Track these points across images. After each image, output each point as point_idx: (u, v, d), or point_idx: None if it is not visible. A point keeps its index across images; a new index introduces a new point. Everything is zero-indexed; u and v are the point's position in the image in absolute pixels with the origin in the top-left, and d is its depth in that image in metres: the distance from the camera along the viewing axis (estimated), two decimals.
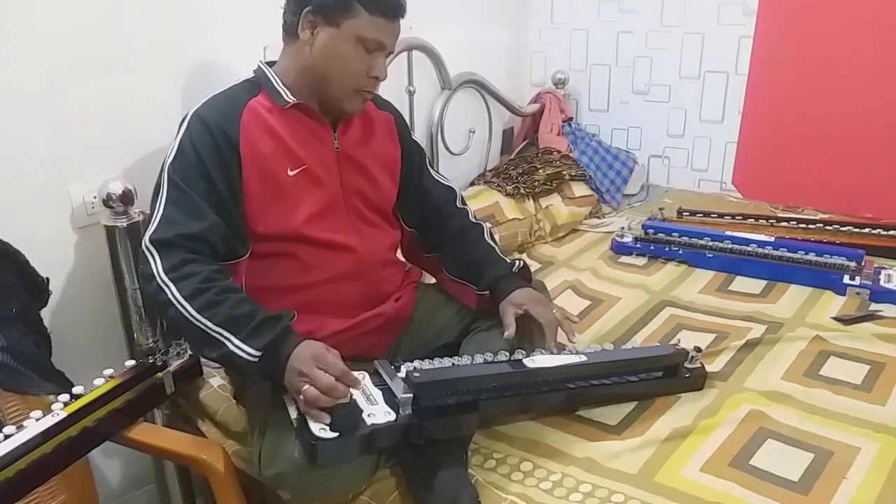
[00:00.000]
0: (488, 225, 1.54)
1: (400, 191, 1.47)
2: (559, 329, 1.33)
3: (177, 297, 1.11)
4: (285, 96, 1.28)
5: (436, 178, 1.54)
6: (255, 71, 1.34)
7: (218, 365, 1.47)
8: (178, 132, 1.25)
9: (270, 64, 1.34)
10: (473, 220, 1.52)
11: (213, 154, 1.21)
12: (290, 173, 1.27)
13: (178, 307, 1.11)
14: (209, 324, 1.11)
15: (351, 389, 1.13)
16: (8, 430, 1.08)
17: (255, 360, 1.10)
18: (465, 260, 1.45)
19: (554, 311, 1.35)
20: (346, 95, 1.28)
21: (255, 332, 1.10)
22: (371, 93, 1.32)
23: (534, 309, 1.32)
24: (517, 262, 1.43)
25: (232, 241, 1.23)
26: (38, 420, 1.11)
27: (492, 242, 1.48)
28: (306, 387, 1.06)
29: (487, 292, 1.38)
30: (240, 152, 1.23)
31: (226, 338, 1.10)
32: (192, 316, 1.11)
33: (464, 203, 1.55)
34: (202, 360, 1.47)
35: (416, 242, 1.52)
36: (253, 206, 1.25)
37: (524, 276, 1.42)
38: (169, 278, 1.13)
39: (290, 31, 1.29)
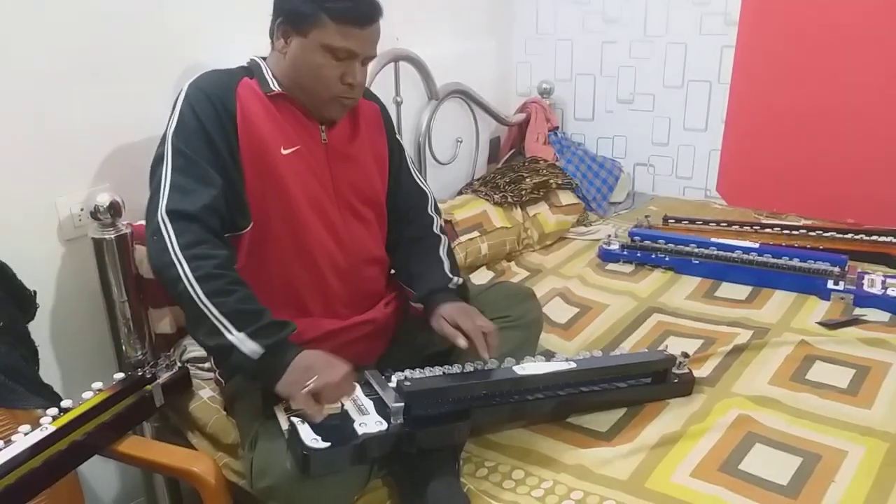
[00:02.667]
0: (445, 238, 1.49)
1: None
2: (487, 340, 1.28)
3: (188, 276, 1.11)
4: (272, 84, 1.28)
5: (414, 178, 1.52)
6: (248, 62, 1.35)
7: (208, 363, 1.48)
8: (175, 103, 1.24)
9: (263, 59, 1.34)
10: (435, 230, 1.49)
11: (214, 121, 1.21)
12: (284, 151, 1.27)
13: (188, 286, 1.11)
14: (215, 311, 1.11)
15: (342, 400, 1.15)
16: None
17: (256, 357, 1.11)
18: (409, 269, 1.44)
19: (481, 323, 1.30)
20: (323, 103, 1.29)
21: (262, 332, 1.12)
22: (351, 99, 1.31)
23: (461, 320, 1.29)
24: (454, 279, 1.40)
25: (235, 210, 1.23)
26: (26, 434, 1.10)
27: (444, 256, 1.45)
28: (314, 378, 1.09)
29: (421, 306, 1.38)
30: (237, 123, 1.23)
31: (228, 329, 1.11)
32: (199, 298, 1.11)
33: (436, 211, 1.53)
34: (192, 371, 1.47)
35: None
36: (248, 182, 1.24)
37: (460, 293, 1.39)
38: (183, 255, 1.12)
39: (271, 38, 1.30)
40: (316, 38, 1.22)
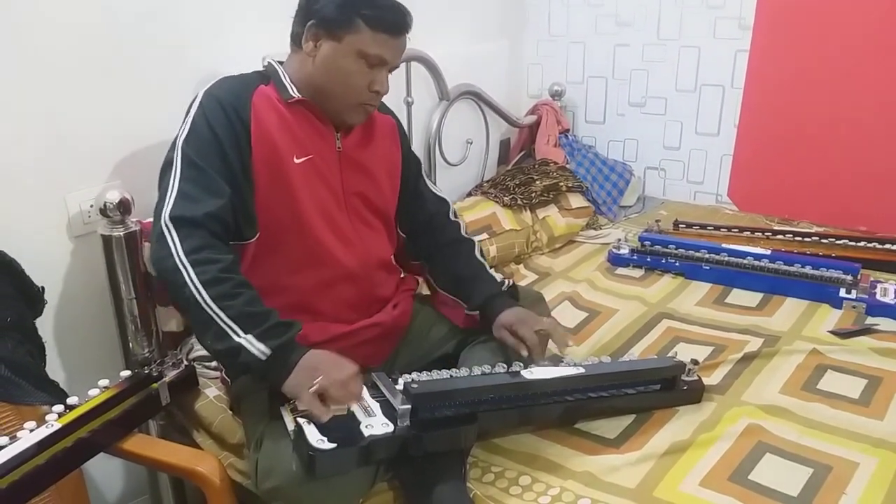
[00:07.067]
0: (478, 240, 1.55)
1: (399, 195, 1.47)
2: (554, 339, 1.36)
3: (194, 281, 1.11)
4: (291, 91, 1.28)
5: (431, 188, 1.55)
6: (265, 66, 1.34)
7: (214, 362, 1.48)
8: (188, 110, 1.24)
9: (280, 63, 1.34)
10: (465, 234, 1.53)
11: (227, 132, 1.21)
12: (297, 161, 1.27)
13: (193, 291, 1.11)
14: (223, 315, 1.11)
15: (349, 402, 1.15)
16: (1, 441, 1.06)
17: (264, 357, 1.11)
18: (456, 274, 1.46)
19: (539, 328, 1.33)
20: (348, 108, 1.29)
21: (269, 333, 1.12)
22: (374, 106, 1.33)
23: (521, 330, 1.32)
24: (506, 280, 1.45)
25: (241, 220, 1.23)
26: (32, 431, 1.10)
27: (481, 259, 1.49)
28: (320, 378, 1.09)
29: (477, 313, 1.40)
30: (251, 133, 1.23)
31: (235, 332, 1.11)
32: (206, 303, 1.11)
33: (456, 216, 1.55)
34: (198, 370, 1.46)
35: (405, 248, 1.52)
36: (258, 192, 1.24)
37: (512, 295, 1.43)
38: (189, 260, 1.12)
39: (295, 41, 1.30)
40: (351, 43, 1.23)
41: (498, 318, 1.36)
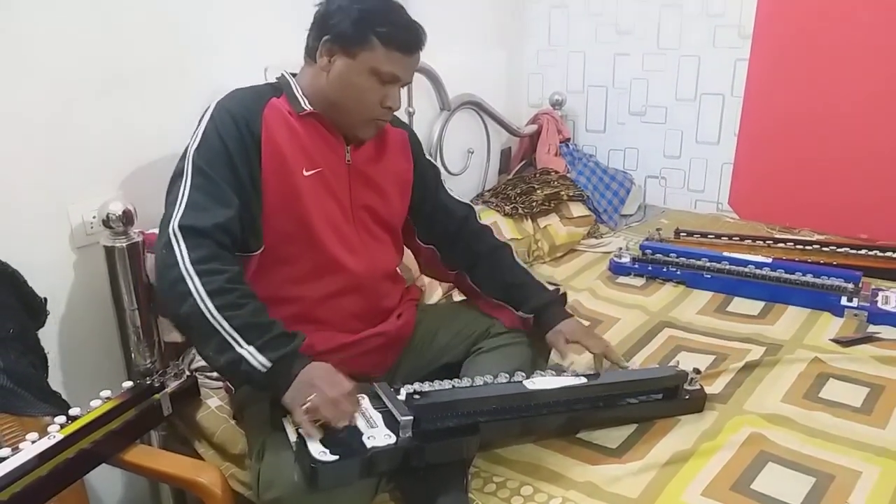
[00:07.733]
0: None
1: (413, 207, 1.47)
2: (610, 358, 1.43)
3: (199, 291, 1.10)
4: (303, 104, 1.29)
5: (452, 196, 1.55)
6: (278, 78, 1.35)
7: (215, 373, 1.47)
8: (200, 121, 1.25)
9: (293, 76, 1.35)
10: (498, 237, 1.55)
11: (237, 144, 1.21)
12: (306, 173, 1.27)
13: (198, 301, 1.10)
14: (226, 325, 1.10)
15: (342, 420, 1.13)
16: (3, 452, 1.06)
17: (264, 370, 1.10)
18: (505, 282, 1.48)
19: (597, 346, 1.42)
20: (360, 123, 1.30)
21: (270, 344, 1.11)
22: (385, 121, 1.34)
23: (586, 341, 1.40)
24: (558, 287, 1.49)
25: (248, 232, 1.23)
26: (34, 442, 1.10)
27: (521, 262, 1.53)
28: (313, 396, 1.08)
29: (531, 316, 1.43)
30: (261, 146, 1.23)
31: (238, 342, 1.10)
32: (210, 312, 1.10)
33: (480, 218, 1.57)
34: (200, 381, 1.46)
35: (437, 258, 1.52)
36: (266, 204, 1.25)
37: (564, 302, 1.48)
38: (195, 270, 1.11)
39: (310, 55, 1.30)
40: (364, 60, 1.24)
41: (557, 326, 1.41)
